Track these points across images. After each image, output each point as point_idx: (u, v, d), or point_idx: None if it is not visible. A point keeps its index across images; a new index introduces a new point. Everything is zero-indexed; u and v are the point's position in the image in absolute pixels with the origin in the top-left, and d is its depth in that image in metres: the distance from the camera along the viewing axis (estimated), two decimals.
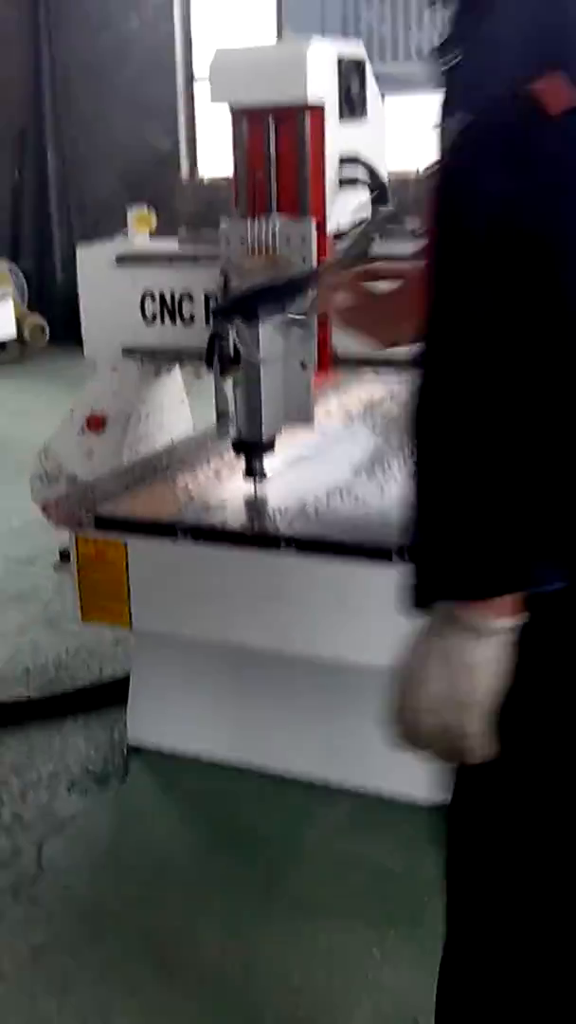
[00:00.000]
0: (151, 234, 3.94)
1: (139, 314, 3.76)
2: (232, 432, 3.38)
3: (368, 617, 3.24)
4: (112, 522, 3.52)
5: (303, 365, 3.39)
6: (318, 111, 3.25)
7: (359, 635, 3.27)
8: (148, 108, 11.58)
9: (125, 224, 4.06)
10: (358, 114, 3.43)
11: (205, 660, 3.69)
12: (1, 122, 12.25)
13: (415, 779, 3.51)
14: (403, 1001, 2.89)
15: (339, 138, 3.35)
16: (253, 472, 3.56)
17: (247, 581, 3.38)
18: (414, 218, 3.47)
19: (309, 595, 3.30)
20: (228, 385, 3.33)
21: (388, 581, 3.18)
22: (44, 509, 3.68)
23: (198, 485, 3.69)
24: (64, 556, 3.70)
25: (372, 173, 3.37)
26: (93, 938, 3.15)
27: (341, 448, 4.08)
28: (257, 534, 3.36)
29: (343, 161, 3.38)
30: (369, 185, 3.38)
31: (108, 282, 3.90)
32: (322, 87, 3.26)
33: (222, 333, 3.25)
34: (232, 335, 3.25)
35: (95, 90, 11.85)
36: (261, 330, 3.26)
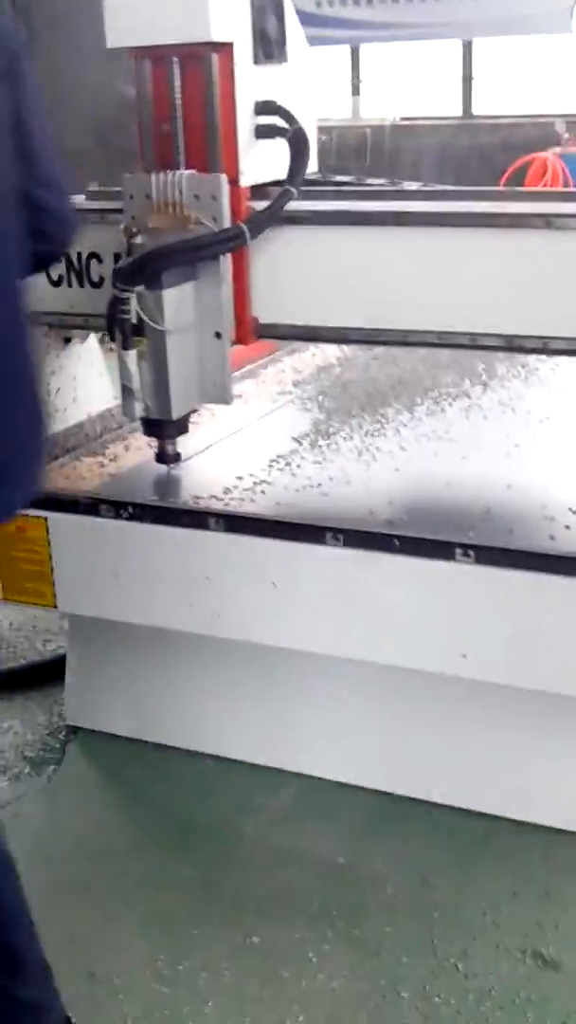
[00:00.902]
0: None
1: (45, 276, 3.46)
2: (138, 410, 3.12)
3: (303, 601, 3.03)
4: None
5: (218, 335, 3.12)
6: (226, 51, 2.95)
7: (294, 620, 3.07)
8: (117, 53, 11.16)
9: (94, 175, 3.72)
10: (276, 57, 3.13)
11: (142, 639, 3.49)
12: None
13: (362, 764, 3.34)
14: (338, 1012, 2.74)
15: (254, 83, 3.05)
16: (165, 456, 3.32)
17: (174, 561, 3.17)
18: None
19: (240, 577, 3.09)
20: (132, 357, 3.05)
21: (324, 563, 3.04)
22: None
23: (122, 460, 3.46)
24: None
25: (291, 121, 3.07)
26: None
27: (280, 418, 3.86)
28: (183, 511, 3.15)
29: (259, 109, 3.08)
30: (287, 136, 3.08)
31: None
32: (231, 25, 2.96)
33: (123, 299, 2.97)
34: (134, 302, 2.98)
35: (61, 35, 11.43)
36: (167, 296, 2.98)
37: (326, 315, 3.12)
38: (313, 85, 3.36)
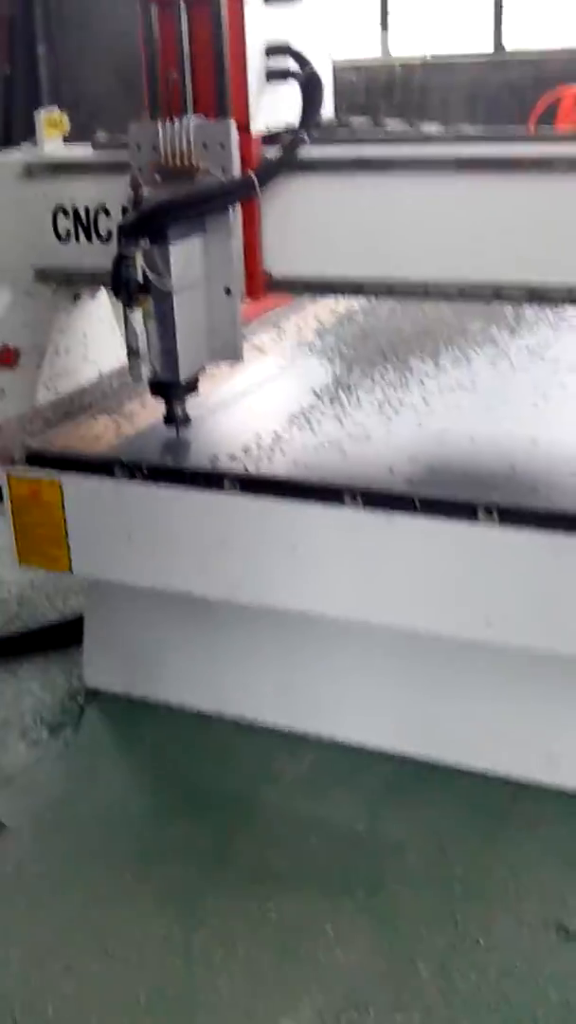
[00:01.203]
0: (65, 139, 3.46)
1: (51, 231, 3.34)
2: (145, 372, 3.01)
3: (322, 564, 2.95)
4: (45, 459, 3.22)
5: (228, 291, 3.01)
6: None
7: (313, 583, 2.99)
8: None
9: (121, 121, 3.59)
10: None
11: (160, 601, 3.41)
12: None
13: (383, 728, 3.26)
14: (355, 988, 2.68)
15: (265, 24, 2.92)
16: (173, 418, 3.22)
17: (192, 525, 3.09)
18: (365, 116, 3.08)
19: (256, 540, 3.01)
20: (138, 317, 2.94)
21: (342, 525, 2.95)
22: None
23: (139, 418, 3.37)
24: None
25: (303, 64, 2.94)
26: (28, 909, 2.96)
27: (301, 370, 3.75)
28: (200, 473, 3.06)
29: (271, 52, 2.95)
30: (300, 79, 2.94)
31: (16, 195, 3.44)
32: None
33: (128, 255, 2.85)
34: (139, 258, 2.86)
35: None
36: (173, 251, 2.87)
37: (341, 267, 3.02)
38: (329, 24, 3.22)
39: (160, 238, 2.85)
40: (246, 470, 3.05)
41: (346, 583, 2.99)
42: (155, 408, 3.38)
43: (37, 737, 3.61)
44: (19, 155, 3.47)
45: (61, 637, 4.07)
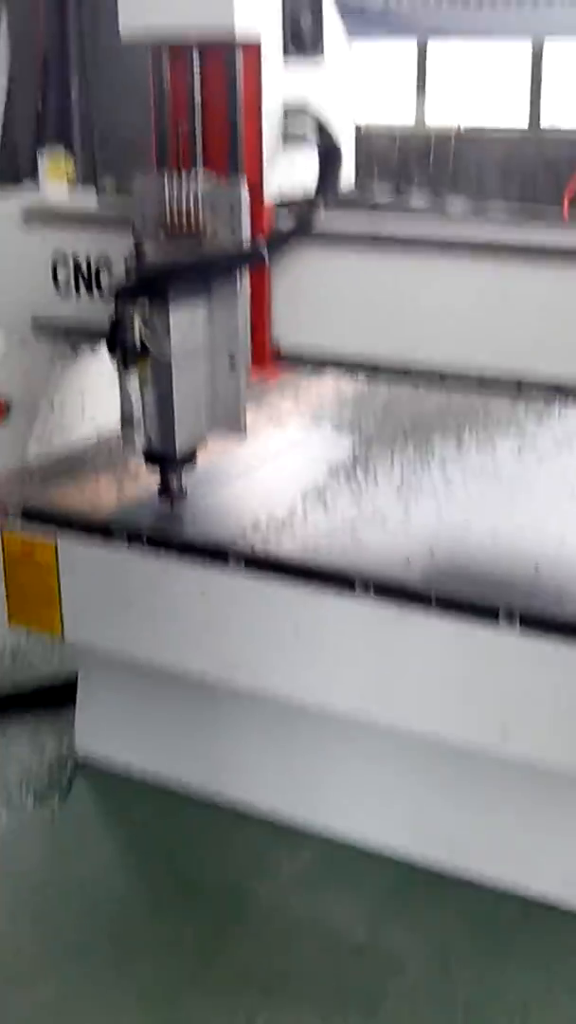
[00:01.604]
0: (70, 184, 3.27)
1: (50, 282, 3.14)
2: (139, 441, 2.83)
3: (326, 655, 2.73)
4: (42, 516, 3.03)
5: (231, 361, 2.83)
6: (253, 45, 2.67)
7: (316, 674, 2.77)
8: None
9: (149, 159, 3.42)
10: (310, 53, 2.82)
11: (157, 672, 3.21)
12: (25, 47, 11.56)
13: (388, 829, 3.03)
14: None
15: (283, 82, 2.77)
16: (168, 491, 3.04)
17: (191, 599, 2.91)
18: (390, 184, 2.87)
19: (259, 622, 2.81)
20: (134, 382, 2.77)
21: (351, 615, 2.73)
22: None
23: (144, 479, 3.17)
24: None
25: (322, 128, 2.78)
26: None
27: (318, 442, 3.54)
28: (202, 546, 2.84)
29: (289, 113, 2.78)
30: (318, 144, 2.78)
31: (16, 241, 3.27)
32: (259, 15, 2.67)
33: (126, 318, 2.67)
34: (137, 321, 2.68)
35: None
36: (173, 316, 2.71)
37: (352, 344, 2.86)
38: (353, 87, 3.07)
39: (160, 301, 2.69)
40: (252, 548, 2.87)
41: (351, 677, 2.81)
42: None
43: (21, 805, 3.44)
44: (20, 199, 3.28)
45: (54, 697, 3.88)
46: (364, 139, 10.17)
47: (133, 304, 2.69)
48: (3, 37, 11.70)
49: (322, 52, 2.87)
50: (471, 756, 2.92)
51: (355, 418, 3.91)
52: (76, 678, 3.74)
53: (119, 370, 2.78)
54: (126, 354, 2.73)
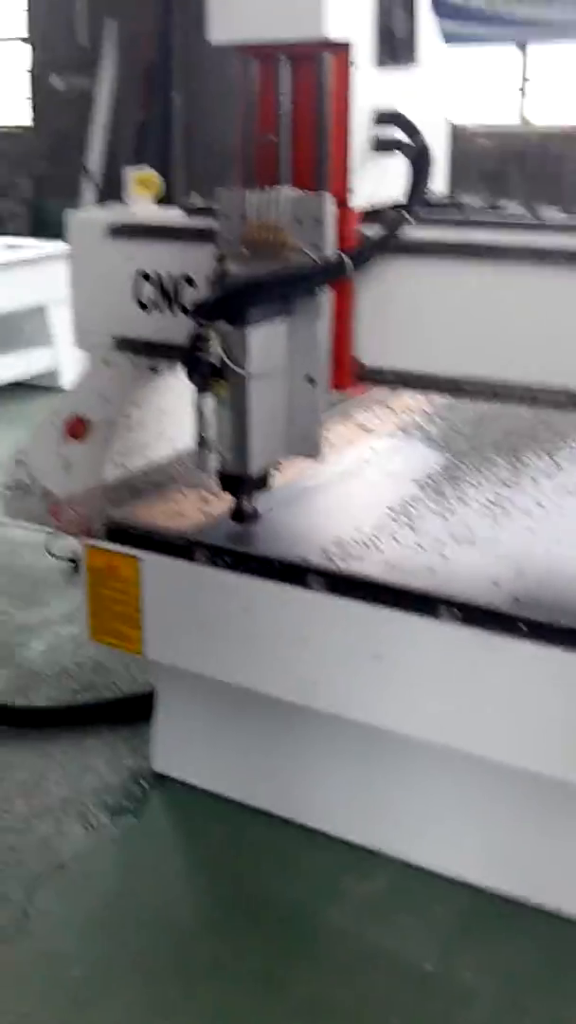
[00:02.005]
0: (159, 200, 3.25)
1: (133, 298, 3.14)
2: (213, 462, 2.80)
3: (409, 679, 2.70)
4: (126, 533, 3.03)
5: (311, 380, 2.78)
6: (343, 51, 2.61)
7: (397, 699, 2.74)
8: None
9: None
10: (404, 59, 2.76)
11: (237, 692, 3.18)
12: (129, 57, 11.70)
13: (464, 856, 2.99)
14: None
15: (374, 89, 2.70)
16: (242, 515, 3.00)
17: (271, 618, 2.88)
18: (488, 188, 2.83)
19: (340, 644, 2.78)
20: (210, 403, 2.73)
21: (436, 639, 2.69)
22: (51, 512, 3.18)
23: (226, 498, 3.16)
24: (76, 564, 3.21)
25: (413, 134, 2.70)
26: (65, 1015, 2.75)
27: (405, 456, 3.51)
28: (283, 564, 2.83)
29: (379, 120, 2.72)
30: (409, 151, 2.71)
31: (100, 257, 3.26)
32: (350, 20, 2.61)
33: (203, 337, 2.64)
34: (215, 340, 2.65)
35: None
36: (253, 335, 2.65)
37: (441, 362, 2.78)
38: (446, 90, 3.00)
39: (240, 320, 2.64)
40: (335, 567, 2.83)
41: (433, 704, 2.75)
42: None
43: (96, 822, 3.42)
44: (106, 213, 3.30)
45: (134, 712, 3.87)
46: (463, 140, 10.11)
47: (212, 322, 2.65)
48: (112, 51, 11.86)
49: (415, 58, 2.81)
50: (550, 784, 2.86)
51: (446, 432, 3.85)
52: (154, 694, 3.75)
53: (196, 389, 2.73)
54: (203, 373, 2.68)
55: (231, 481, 2.92)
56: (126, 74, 11.89)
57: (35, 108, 13.85)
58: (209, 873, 3.29)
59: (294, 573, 2.86)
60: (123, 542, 3.08)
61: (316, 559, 2.88)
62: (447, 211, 2.88)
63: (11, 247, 8.24)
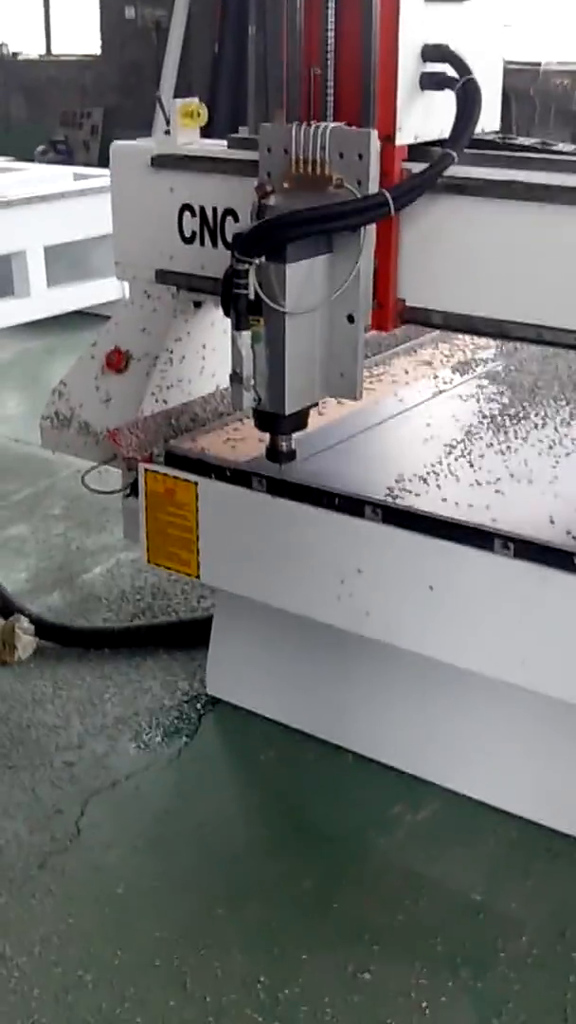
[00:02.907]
0: (203, 132, 3.20)
1: (176, 231, 3.10)
2: (247, 399, 2.75)
3: (461, 612, 2.69)
4: (186, 461, 3.03)
5: (351, 319, 2.73)
6: None
7: (449, 631, 2.73)
8: None
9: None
10: None
11: (291, 618, 3.19)
12: None
13: (515, 788, 2.99)
14: None
15: (423, 24, 2.63)
16: (277, 454, 2.95)
17: (327, 547, 2.88)
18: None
19: (394, 574, 2.78)
20: (246, 340, 2.69)
21: (489, 572, 2.67)
22: (111, 436, 3.18)
23: None
24: (134, 488, 3.23)
25: (462, 71, 2.63)
26: (108, 934, 2.82)
27: (467, 393, 3.48)
28: (340, 495, 2.83)
29: (427, 55, 2.65)
30: (455, 88, 2.64)
31: (143, 188, 3.22)
32: None
33: (241, 272, 2.59)
34: (252, 275, 2.60)
35: None
36: (290, 271, 2.60)
37: (485, 304, 2.74)
38: (500, 25, 2.90)
39: (278, 255, 2.59)
40: (391, 499, 2.82)
41: (484, 637, 2.74)
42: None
43: (150, 741, 3.50)
44: (149, 143, 3.26)
45: (190, 636, 3.91)
46: (542, 79, 9.83)
47: (250, 256, 2.59)
48: None
49: None
50: None
51: (510, 370, 3.81)
52: (207, 619, 3.78)
53: (232, 325, 2.68)
54: (239, 309, 2.64)
55: (267, 419, 2.88)
56: (199, 7, 11.73)
57: (105, 38, 13.75)
58: (259, 796, 3.34)
59: (351, 504, 2.85)
60: (182, 467, 3.09)
61: (373, 491, 2.87)
62: (496, 149, 2.81)
63: (79, 176, 8.22)
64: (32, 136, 13.74)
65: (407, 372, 3.73)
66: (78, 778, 3.32)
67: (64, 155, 13.28)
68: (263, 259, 2.61)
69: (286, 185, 2.68)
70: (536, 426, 3.29)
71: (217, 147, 3.16)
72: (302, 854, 3.06)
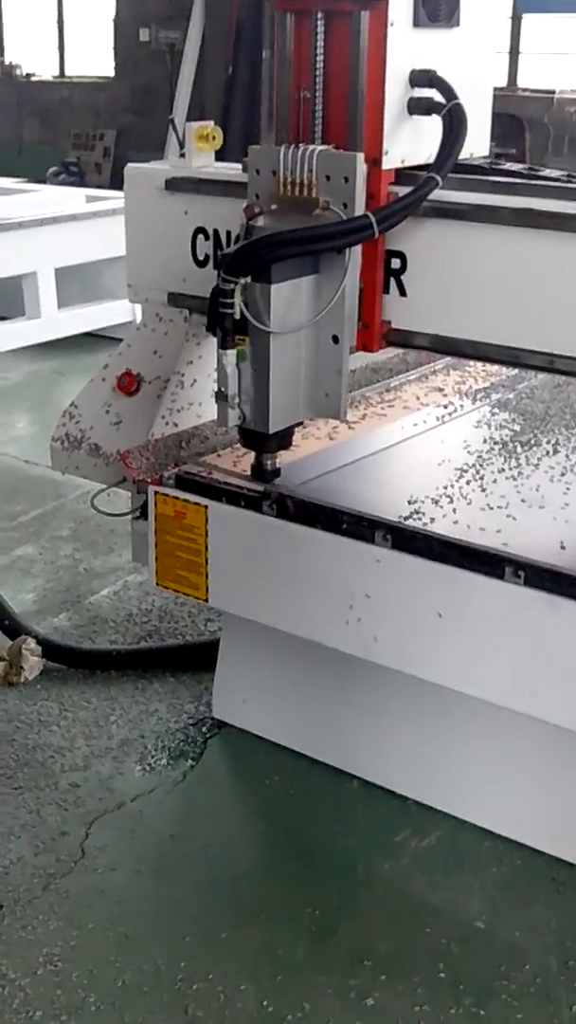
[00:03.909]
0: (218, 155, 3.22)
1: (189, 254, 3.13)
2: (232, 418, 2.78)
3: (470, 639, 2.69)
4: (196, 483, 3.05)
5: (335, 339, 2.75)
6: (380, 8, 2.58)
7: (457, 658, 2.73)
8: None
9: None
10: (444, 20, 2.70)
11: (298, 643, 3.19)
12: (217, 12, 11.64)
13: (520, 817, 2.99)
14: None
15: (411, 49, 2.65)
16: (261, 473, 2.98)
17: (335, 571, 2.88)
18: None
19: (403, 600, 2.78)
20: (231, 359, 2.71)
21: (499, 599, 2.68)
22: (121, 458, 3.20)
23: (299, 448, 3.16)
24: (143, 511, 3.24)
25: (449, 96, 2.65)
26: (111, 956, 2.81)
27: (478, 419, 3.49)
28: (349, 517, 2.83)
29: (415, 81, 2.67)
30: (441, 112, 2.66)
31: (157, 211, 3.25)
32: None
33: (227, 291, 2.62)
34: (238, 294, 2.63)
35: None
36: (275, 291, 2.63)
37: (470, 328, 2.75)
38: (490, 51, 2.92)
39: (263, 275, 2.61)
40: (400, 524, 2.82)
41: (493, 665, 2.73)
42: (316, 440, 3.18)
43: (155, 764, 3.49)
44: (163, 166, 3.29)
45: (196, 659, 3.91)
46: (554, 108, 9.85)
47: (236, 276, 2.62)
48: (200, 5, 11.81)
49: (458, 20, 2.74)
50: None
51: (522, 397, 3.82)
52: (213, 643, 3.78)
53: (218, 344, 2.71)
54: (225, 328, 2.66)
55: (252, 438, 2.90)
56: (213, 29, 11.82)
57: (118, 60, 13.83)
58: (264, 820, 3.33)
59: (361, 528, 2.85)
60: (192, 491, 3.10)
61: (383, 515, 2.87)
62: (484, 174, 2.82)
63: (92, 198, 8.27)
64: (45, 157, 13.84)
65: (418, 398, 3.74)
66: (83, 800, 3.31)
67: (76, 177, 13.37)
68: (249, 279, 2.64)
69: (274, 206, 2.70)
70: (547, 453, 3.29)
71: (232, 170, 3.17)
72: (306, 879, 3.05)
